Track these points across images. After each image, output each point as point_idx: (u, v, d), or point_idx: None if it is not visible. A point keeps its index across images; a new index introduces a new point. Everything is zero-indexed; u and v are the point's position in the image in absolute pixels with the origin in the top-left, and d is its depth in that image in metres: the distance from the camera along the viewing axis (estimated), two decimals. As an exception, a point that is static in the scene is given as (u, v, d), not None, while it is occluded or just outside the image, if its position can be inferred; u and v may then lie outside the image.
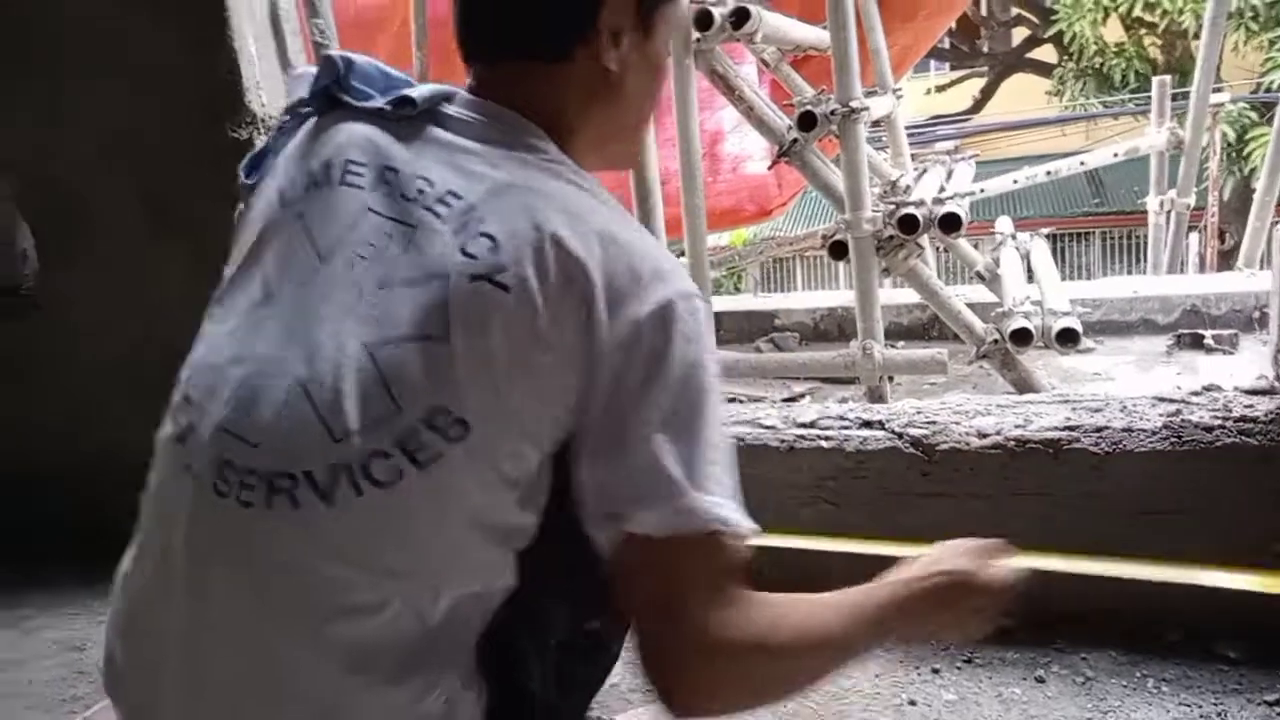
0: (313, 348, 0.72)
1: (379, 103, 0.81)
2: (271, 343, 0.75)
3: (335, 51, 0.85)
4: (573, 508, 0.75)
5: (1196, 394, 1.52)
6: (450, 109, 0.81)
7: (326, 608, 0.70)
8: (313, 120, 0.84)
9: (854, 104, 2.67)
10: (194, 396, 0.77)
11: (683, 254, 3.15)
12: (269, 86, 1.87)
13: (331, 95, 0.83)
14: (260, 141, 0.85)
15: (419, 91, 0.81)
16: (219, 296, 0.82)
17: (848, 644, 0.81)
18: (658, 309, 0.72)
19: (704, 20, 2.82)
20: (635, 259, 0.74)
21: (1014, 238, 3.62)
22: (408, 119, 0.80)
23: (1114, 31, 10.41)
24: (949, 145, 8.56)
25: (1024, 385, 2.78)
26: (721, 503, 0.73)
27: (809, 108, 2.74)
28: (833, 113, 2.68)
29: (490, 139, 0.79)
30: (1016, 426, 1.48)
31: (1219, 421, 1.39)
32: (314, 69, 0.86)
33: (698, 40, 2.86)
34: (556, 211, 0.74)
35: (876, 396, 2.71)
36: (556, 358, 0.72)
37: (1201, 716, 1.24)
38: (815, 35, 3.28)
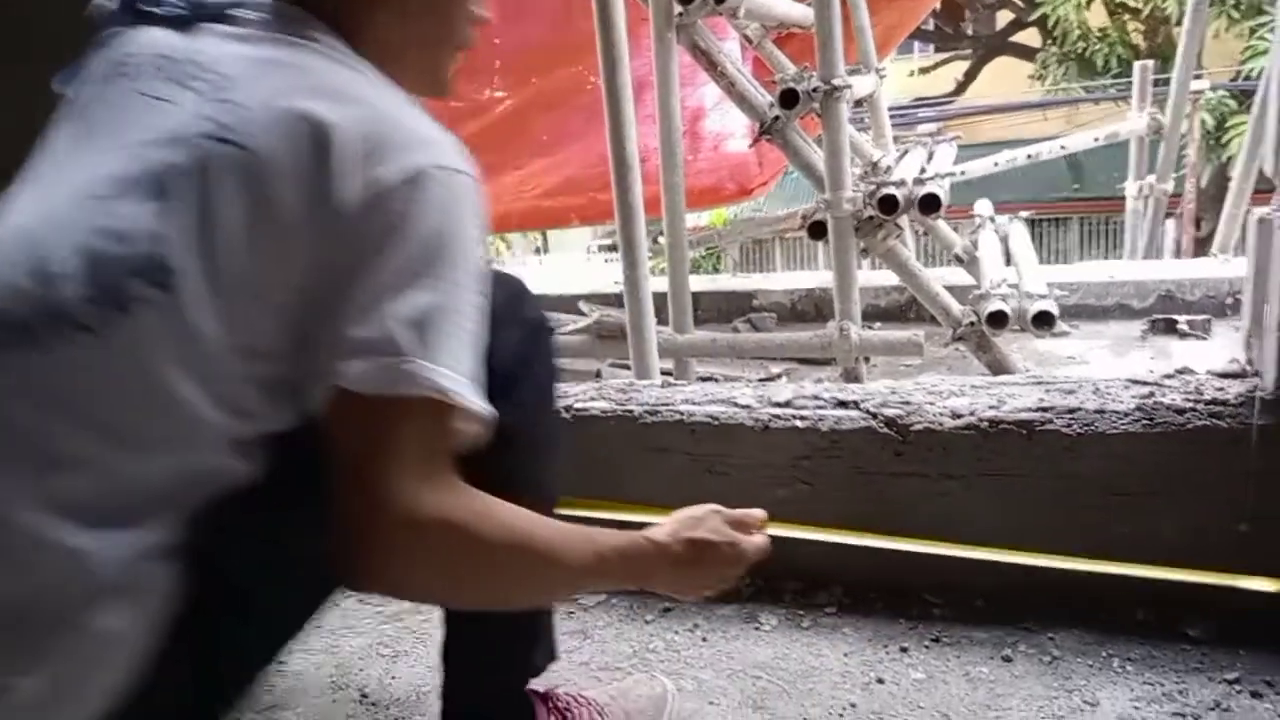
0: (52, 213, 0.75)
1: (176, 9, 0.85)
2: (23, 217, 0.77)
3: None
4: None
5: (1169, 377, 1.52)
6: (239, 11, 0.84)
7: (32, 458, 0.70)
8: (117, 31, 0.88)
9: (837, 82, 2.65)
10: None
11: (661, 234, 3.14)
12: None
13: (135, 9, 0.87)
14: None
15: None
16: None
17: (563, 565, 0.82)
18: (408, 175, 0.73)
19: (687, -6, 2.78)
20: (391, 128, 0.75)
21: (993, 220, 3.62)
22: (197, 19, 0.84)
23: (1098, 17, 10.43)
24: (931, 127, 8.56)
25: (999, 368, 2.79)
26: (448, 374, 0.71)
27: (791, 85, 2.72)
28: (815, 90, 2.67)
29: (268, 27, 0.82)
30: (990, 407, 1.48)
31: (1191, 404, 1.39)
32: None
33: (680, 15, 2.83)
34: (315, 84, 0.76)
35: (852, 377, 2.72)
36: (294, 221, 0.72)
37: (1164, 694, 1.25)
38: (799, 12, 3.26)
